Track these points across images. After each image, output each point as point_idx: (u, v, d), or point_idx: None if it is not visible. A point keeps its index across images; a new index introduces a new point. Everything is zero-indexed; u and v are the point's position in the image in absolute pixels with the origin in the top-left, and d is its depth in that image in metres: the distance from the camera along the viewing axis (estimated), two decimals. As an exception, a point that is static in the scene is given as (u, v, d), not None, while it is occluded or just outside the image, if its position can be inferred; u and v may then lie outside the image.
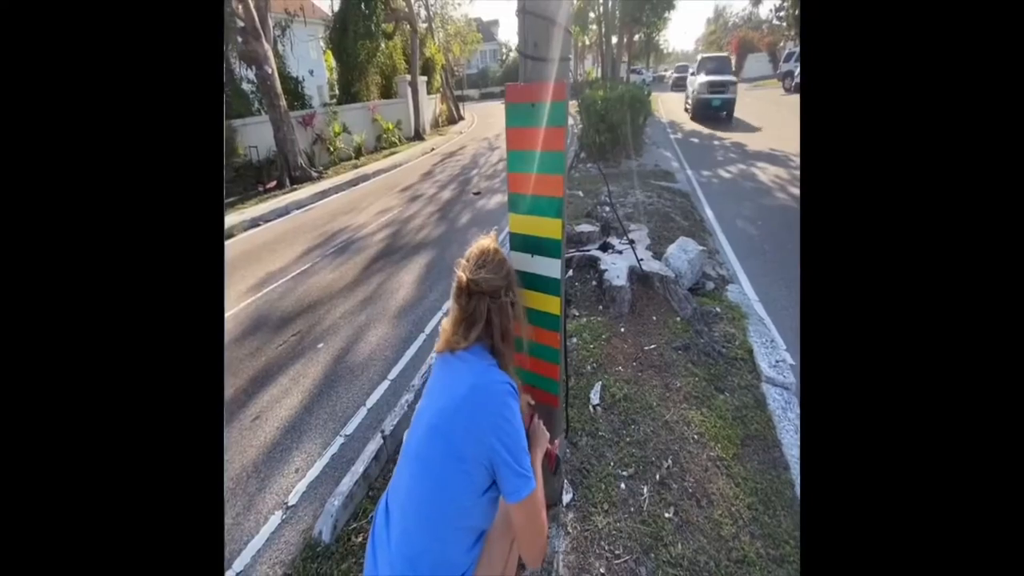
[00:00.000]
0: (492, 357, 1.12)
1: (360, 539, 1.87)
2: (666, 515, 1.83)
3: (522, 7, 1.25)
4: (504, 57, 44.82)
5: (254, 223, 6.98)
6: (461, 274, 1.11)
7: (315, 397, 2.89)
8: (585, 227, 4.54)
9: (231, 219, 6.96)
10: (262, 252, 5.66)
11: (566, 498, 1.92)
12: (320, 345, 3.45)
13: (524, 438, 1.02)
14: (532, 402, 1.46)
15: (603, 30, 17.34)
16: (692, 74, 15.90)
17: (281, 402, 2.86)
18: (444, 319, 1.17)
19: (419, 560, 0.97)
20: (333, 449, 2.45)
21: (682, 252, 3.71)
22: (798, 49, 22.92)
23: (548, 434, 1.29)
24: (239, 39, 9.07)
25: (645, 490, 1.94)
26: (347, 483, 2.09)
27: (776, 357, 2.72)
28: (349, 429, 2.59)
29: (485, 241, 1.18)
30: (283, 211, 7.58)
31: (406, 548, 0.98)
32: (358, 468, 2.17)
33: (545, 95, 1.25)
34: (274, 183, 9.42)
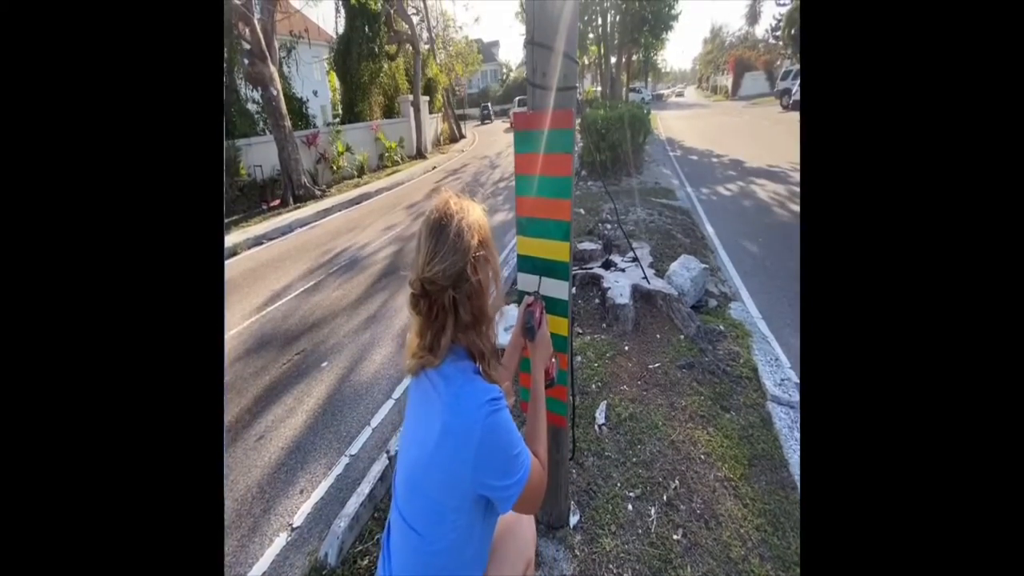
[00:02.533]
0: (470, 360, 0.95)
1: (366, 562, 1.85)
2: (674, 537, 1.81)
3: (530, 39, 1.29)
4: (504, 77, 45.50)
5: (258, 241, 7.04)
6: (412, 277, 0.90)
7: (320, 417, 2.88)
8: (587, 245, 4.57)
9: (236, 237, 7.01)
10: (266, 270, 5.70)
11: (573, 520, 1.91)
12: (325, 364, 3.45)
13: (512, 444, 0.90)
14: (542, 301, 1.32)
15: (602, 50, 17.63)
16: None
17: (286, 422, 2.85)
18: (408, 334, 0.98)
19: None
20: (338, 470, 2.44)
21: (684, 270, 3.74)
22: (795, 68, 23.27)
23: (552, 348, 1.25)
24: (245, 61, 9.26)
25: (652, 511, 1.93)
26: (353, 504, 2.08)
27: (781, 375, 2.72)
28: (354, 449, 2.58)
29: (434, 214, 0.92)
30: (287, 229, 7.64)
31: None
32: (364, 489, 2.16)
33: (553, 123, 1.29)
34: (278, 201, 9.53)
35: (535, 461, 0.96)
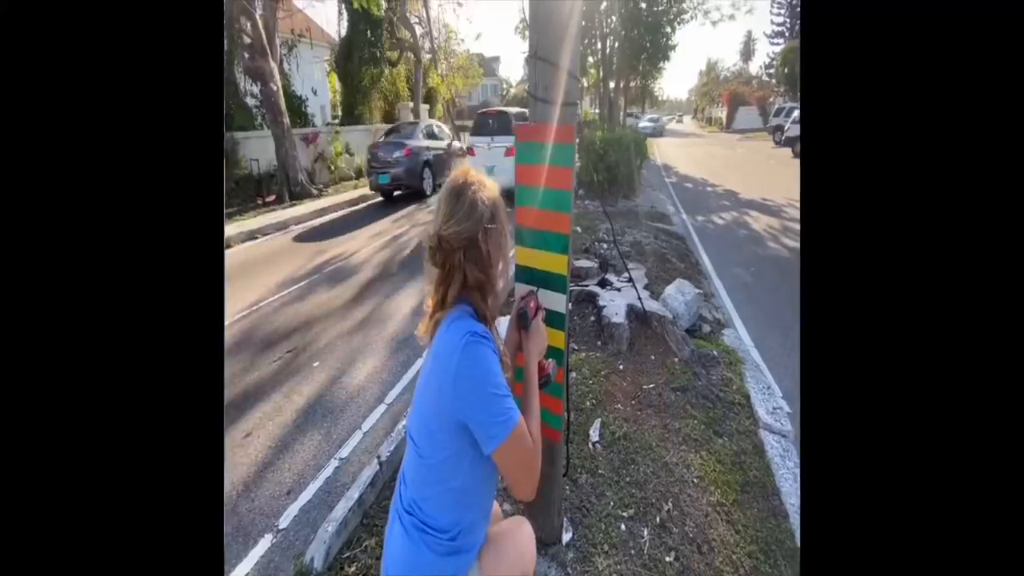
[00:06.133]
0: (471, 310, 1.03)
1: (353, 568, 1.81)
2: (667, 559, 1.81)
3: (533, 53, 1.32)
4: (504, 92, 45.97)
5: (252, 236, 6.94)
6: (431, 231, 1.01)
7: (309, 417, 2.83)
8: (584, 263, 4.61)
9: (230, 231, 6.91)
10: (258, 266, 5.62)
11: (566, 537, 1.89)
12: (315, 364, 3.40)
13: (493, 384, 0.94)
14: (536, 291, 1.38)
15: (601, 74, 17.95)
16: None
17: (274, 420, 2.80)
18: (426, 300, 1.09)
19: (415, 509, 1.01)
20: (327, 472, 2.40)
21: (679, 293, 3.78)
22: (787, 105, 23.93)
23: (546, 340, 1.26)
24: (246, 55, 9.23)
25: (646, 532, 1.92)
26: (341, 509, 2.03)
27: (773, 404, 2.75)
28: (344, 452, 2.54)
29: (455, 182, 1.04)
30: (282, 225, 7.56)
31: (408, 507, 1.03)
32: (353, 494, 2.12)
33: (555, 137, 1.31)
34: (274, 197, 9.44)
35: (524, 425, 0.97)
